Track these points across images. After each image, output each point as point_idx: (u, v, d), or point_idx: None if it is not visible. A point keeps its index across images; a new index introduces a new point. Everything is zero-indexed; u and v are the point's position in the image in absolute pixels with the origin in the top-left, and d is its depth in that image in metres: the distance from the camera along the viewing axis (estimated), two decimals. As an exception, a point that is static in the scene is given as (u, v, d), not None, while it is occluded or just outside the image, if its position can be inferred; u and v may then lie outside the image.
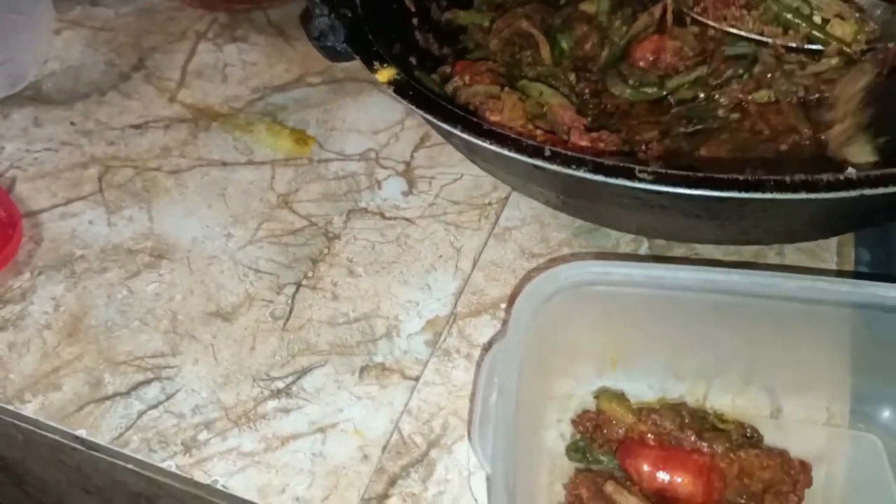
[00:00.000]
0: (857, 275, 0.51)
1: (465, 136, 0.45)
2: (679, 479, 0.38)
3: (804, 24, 0.55)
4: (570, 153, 0.42)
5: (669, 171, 0.40)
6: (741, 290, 0.41)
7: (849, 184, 0.39)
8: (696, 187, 0.39)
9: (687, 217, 0.45)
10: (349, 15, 0.53)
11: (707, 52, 0.57)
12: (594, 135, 0.53)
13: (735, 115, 0.55)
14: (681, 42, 0.58)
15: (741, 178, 0.39)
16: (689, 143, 0.54)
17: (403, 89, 0.48)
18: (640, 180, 0.40)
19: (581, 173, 0.41)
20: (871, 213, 0.47)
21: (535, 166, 0.43)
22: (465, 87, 0.57)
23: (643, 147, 0.54)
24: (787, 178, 0.39)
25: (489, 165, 0.53)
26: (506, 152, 0.43)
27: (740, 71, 0.56)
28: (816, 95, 0.54)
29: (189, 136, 0.63)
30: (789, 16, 0.56)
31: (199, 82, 0.68)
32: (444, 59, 0.61)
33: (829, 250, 0.52)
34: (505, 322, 0.50)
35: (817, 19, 0.55)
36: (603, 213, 0.52)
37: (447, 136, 0.51)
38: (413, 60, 0.58)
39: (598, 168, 0.41)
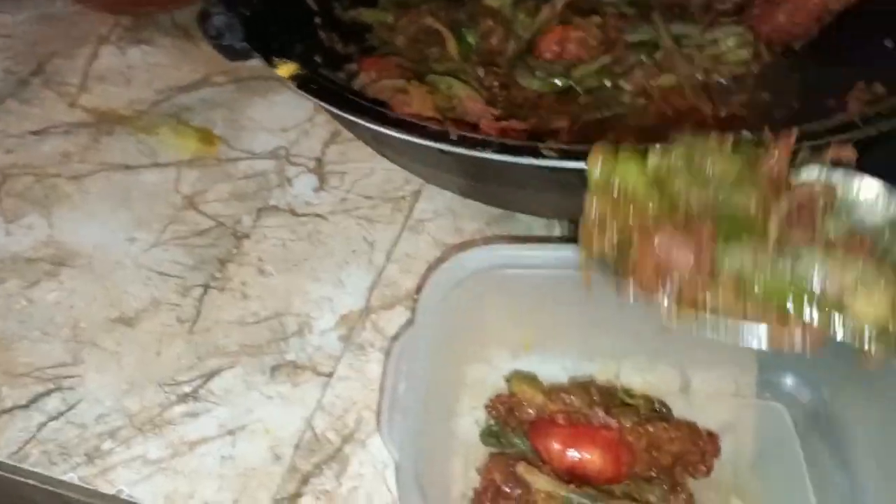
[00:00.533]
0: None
1: (371, 125, 0.44)
2: (588, 455, 0.38)
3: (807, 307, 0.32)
4: (475, 136, 0.42)
5: (575, 147, 0.40)
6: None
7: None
8: None
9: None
10: (247, 14, 0.52)
11: (610, 40, 0.58)
12: (504, 123, 0.53)
13: (640, 101, 0.56)
14: (584, 32, 0.58)
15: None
16: (598, 129, 0.55)
17: (306, 83, 0.47)
18: (546, 157, 0.40)
19: (488, 154, 0.41)
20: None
21: (443, 151, 0.42)
22: (373, 83, 0.56)
23: (554, 135, 0.54)
24: None
25: (398, 156, 0.52)
26: (413, 139, 0.43)
27: (642, 58, 0.57)
28: (716, 76, 0.55)
29: (91, 140, 0.61)
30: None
31: (102, 86, 0.66)
32: (350, 58, 0.61)
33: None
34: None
35: (817, 287, 0.31)
36: (514, 198, 0.51)
37: (353, 128, 0.51)
38: (318, 59, 0.57)
39: (503, 148, 0.41)
